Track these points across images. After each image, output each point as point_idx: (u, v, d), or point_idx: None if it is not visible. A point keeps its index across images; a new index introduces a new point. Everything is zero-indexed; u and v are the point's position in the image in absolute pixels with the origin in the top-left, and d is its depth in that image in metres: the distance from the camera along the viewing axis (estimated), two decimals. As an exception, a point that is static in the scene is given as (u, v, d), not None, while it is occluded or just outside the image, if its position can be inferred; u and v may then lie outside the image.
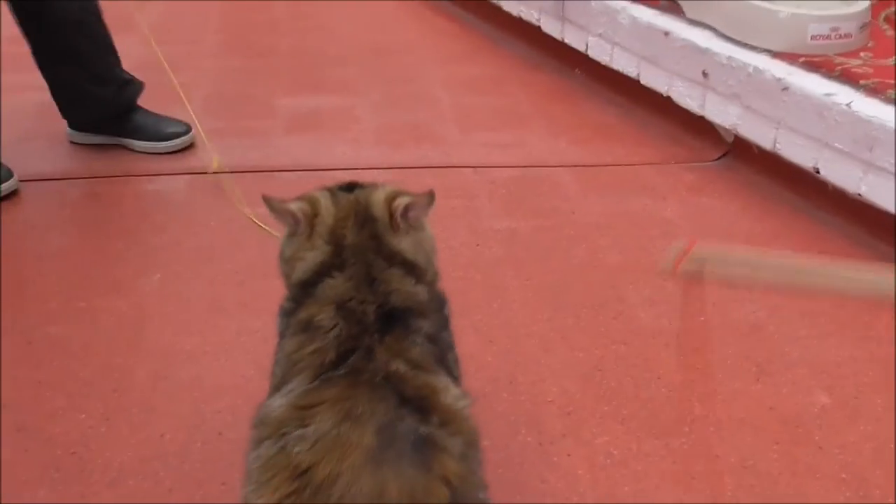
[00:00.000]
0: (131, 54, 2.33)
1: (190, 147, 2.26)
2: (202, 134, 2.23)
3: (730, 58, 2.09)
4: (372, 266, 0.96)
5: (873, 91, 1.86)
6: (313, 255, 1.00)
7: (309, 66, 2.88)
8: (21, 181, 2.06)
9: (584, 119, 2.49)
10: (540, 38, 2.81)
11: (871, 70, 1.96)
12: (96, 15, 2.11)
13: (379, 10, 3.44)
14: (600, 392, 1.47)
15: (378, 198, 1.02)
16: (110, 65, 2.18)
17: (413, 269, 0.98)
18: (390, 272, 0.96)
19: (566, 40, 2.67)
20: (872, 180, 1.79)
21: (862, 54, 2.08)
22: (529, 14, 2.84)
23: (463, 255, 1.83)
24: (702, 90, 2.19)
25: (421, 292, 0.97)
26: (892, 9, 2.31)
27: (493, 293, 1.72)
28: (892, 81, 1.89)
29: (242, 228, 1.91)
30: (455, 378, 0.99)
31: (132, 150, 2.24)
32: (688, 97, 2.25)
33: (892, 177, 1.74)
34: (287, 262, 1.03)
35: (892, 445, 1.35)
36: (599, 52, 2.53)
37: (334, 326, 0.92)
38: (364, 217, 1.00)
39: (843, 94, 1.86)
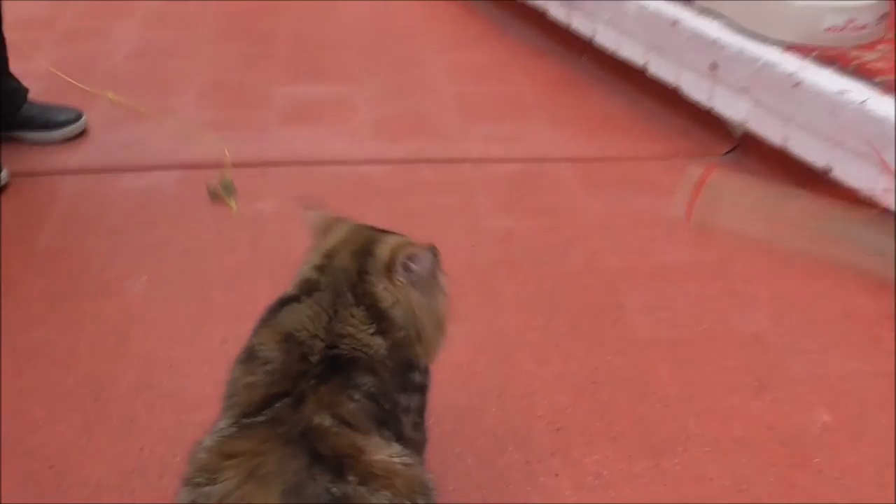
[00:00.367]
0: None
1: (182, 141, 2.21)
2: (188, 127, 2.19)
3: (740, 50, 2.01)
4: (339, 298, 0.91)
5: (889, 88, 1.77)
6: (303, 271, 0.98)
7: (309, 52, 2.81)
8: (14, 176, 2.02)
9: (589, 109, 2.41)
10: (546, 25, 2.73)
11: (887, 64, 1.87)
12: None
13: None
14: (593, 407, 1.42)
15: (389, 240, 0.97)
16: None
17: (381, 320, 0.92)
18: (352, 311, 0.91)
19: (573, 27, 2.59)
20: (888, 183, 1.71)
21: (879, 47, 1.98)
22: (536, -2, 2.76)
23: (457, 258, 1.78)
24: (710, 83, 2.11)
25: (377, 345, 0.91)
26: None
27: (486, 298, 1.67)
28: (909, 77, 1.80)
29: (233, 227, 1.87)
30: (409, 440, 0.94)
31: (25, 143, 2.15)
32: (696, 89, 2.17)
33: (906, 180, 1.67)
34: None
35: (894, 469, 1.29)
36: (606, 40, 2.45)
37: (270, 361, 0.87)
38: (363, 249, 0.96)
39: (856, 92, 1.78)
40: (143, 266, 1.75)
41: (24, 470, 1.30)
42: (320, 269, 0.97)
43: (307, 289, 0.96)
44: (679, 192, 1.27)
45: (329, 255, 0.97)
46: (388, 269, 0.94)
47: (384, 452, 0.84)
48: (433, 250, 0.97)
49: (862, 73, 1.84)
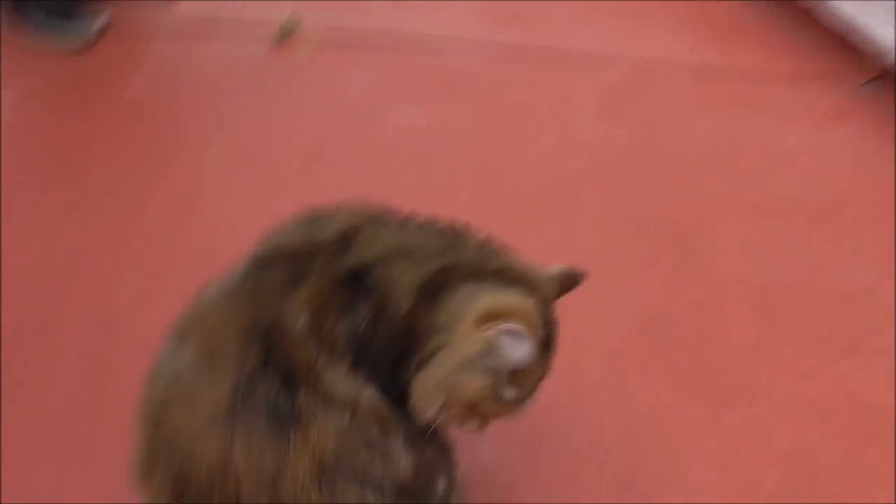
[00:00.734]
0: None
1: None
2: None
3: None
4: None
5: None
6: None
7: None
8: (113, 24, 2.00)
9: (717, 15, 2.18)
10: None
11: None
12: None
13: None
14: (656, 341, 1.33)
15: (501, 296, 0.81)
16: None
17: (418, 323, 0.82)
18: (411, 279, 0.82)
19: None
20: None
21: None
22: None
23: (543, 164, 1.67)
24: (862, -2, 1.86)
25: (402, 309, 0.81)
26: None
27: (566, 209, 1.57)
28: None
29: (316, 105, 1.81)
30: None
31: None
32: (841, 2, 1.91)
33: None
34: None
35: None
36: (751, -64, 2.18)
37: (319, 234, 0.85)
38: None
39: None
40: (221, 133, 1.73)
41: (81, 322, 1.32)
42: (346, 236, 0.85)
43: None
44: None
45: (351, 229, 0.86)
46: (477, 325, 0.79)
47: (346, 385, 0.78)
48: (542, 331, 0.82)
49: None
